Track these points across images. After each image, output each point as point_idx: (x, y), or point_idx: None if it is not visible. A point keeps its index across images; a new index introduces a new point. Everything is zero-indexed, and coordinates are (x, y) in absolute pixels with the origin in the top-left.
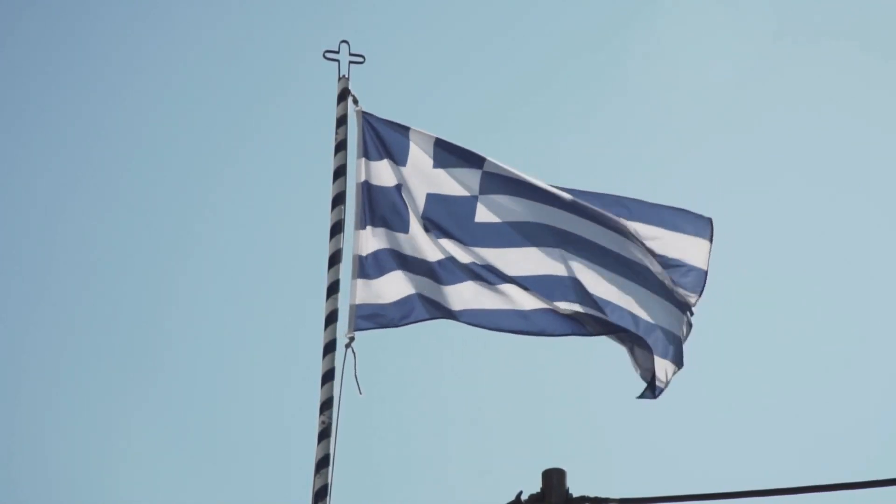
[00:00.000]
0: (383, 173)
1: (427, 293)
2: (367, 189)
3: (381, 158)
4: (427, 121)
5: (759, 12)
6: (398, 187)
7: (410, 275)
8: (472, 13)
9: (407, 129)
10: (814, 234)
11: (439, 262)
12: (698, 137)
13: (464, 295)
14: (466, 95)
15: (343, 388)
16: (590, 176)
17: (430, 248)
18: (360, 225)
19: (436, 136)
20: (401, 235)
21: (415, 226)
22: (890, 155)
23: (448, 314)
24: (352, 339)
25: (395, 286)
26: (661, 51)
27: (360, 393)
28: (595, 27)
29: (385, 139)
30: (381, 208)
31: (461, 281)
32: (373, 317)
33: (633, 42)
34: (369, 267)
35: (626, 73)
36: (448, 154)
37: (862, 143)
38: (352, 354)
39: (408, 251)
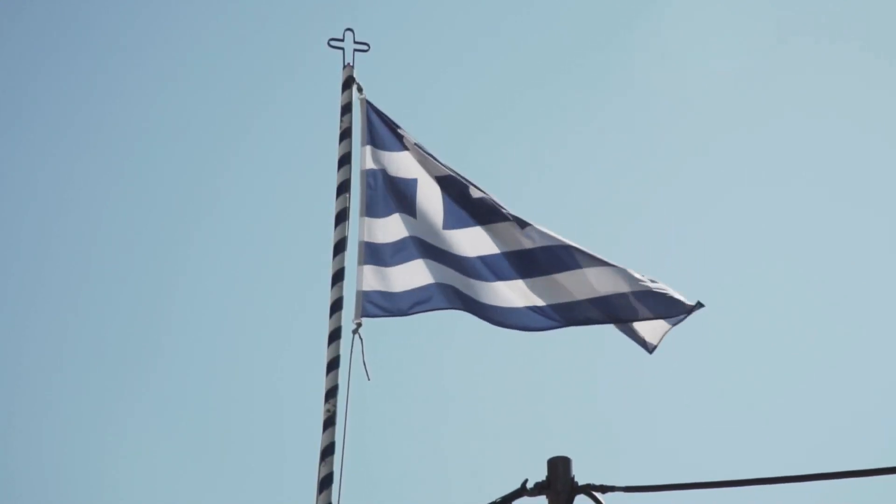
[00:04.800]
0: (403, 163)
1: (451, 283)
2: (382, 177)
3: (400, 150)
4: (431, 110)
5: (763, 12)
6: (415, 181)
7: (433, 263)
8: (477, 3)
9: (401, 135)
10: (818, 232)
11: (463, 257)
12: (702, 137)
13: (493, 292)
14: (470, 85)
15: (349, 375)
16: (591, 173)
17: (451, 242)
18: (365, 212)
19: (418, 150)
20: (419, 224)
21: (434, 218)
22: (894, 156)
23: (475, 308)
24: (359, 324)
25: (411, 275)
26: (665, 50)
27: (369, 379)
28: (600, 23)
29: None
30: (397, 196)
31: (487, 279)
32: (380, 304)
33: (637, 40)
34: (386, 255)
35: (631, 71)
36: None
37: (867, 143)
38: (359, 341)
39: (430, 240)
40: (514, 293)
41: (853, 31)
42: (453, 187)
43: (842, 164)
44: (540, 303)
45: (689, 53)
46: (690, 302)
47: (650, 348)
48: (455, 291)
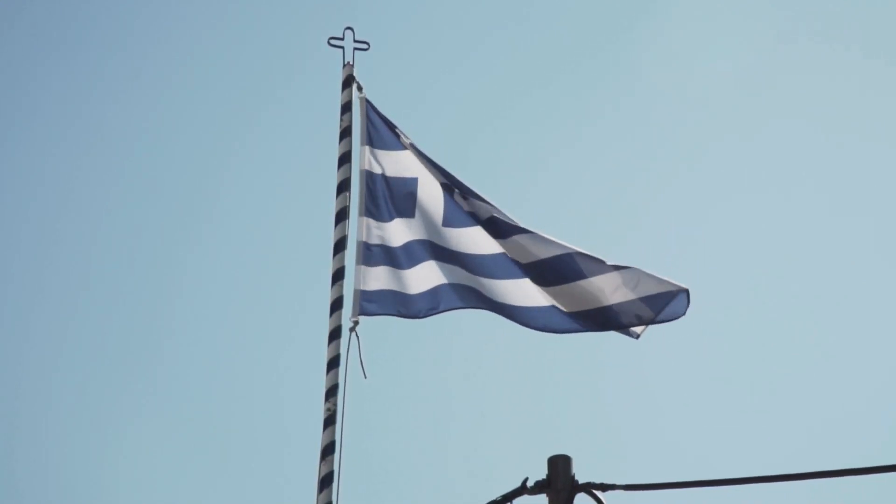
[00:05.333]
0: (403, 162)
1: (463, 282)
2: (381, 180)
3: (400, 149)
4: (431, 110)
5: (764, 13)
6: (416, 179)
7: (442, 264)
8: (478, 3)
9: (398, 135)
10: (819, 233)
11: (467, 254)
12: (704, 138)
13: (505, 290)
14: (471, 85)
15: (345, 373)
16: (592, 174)
17: (457, 241)
18: (365, 213)
19: (415, 151)
20: (423, 225)
21: (435, 217)
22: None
23: (495, 307)
24: (356, 322)
25: (423, 277)
26: (667, 51)
27: (365, 377)
28: (601, 24)
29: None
30: (399, 198)
31: (497, 277)
32: (395, 307)
33: (638, 41)
34: (399, 258)
35: (632, 72)
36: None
37: (869, 145)
38: (356, 339)
39: (435, 240)
40: (527, 293)
41: (854, 34)
42: (450, 191)
43: (844, 165)
44: (561, 308)
45: (691, 54)
46: (683, 286)
47: (635, 336)
48: (468, 290)
